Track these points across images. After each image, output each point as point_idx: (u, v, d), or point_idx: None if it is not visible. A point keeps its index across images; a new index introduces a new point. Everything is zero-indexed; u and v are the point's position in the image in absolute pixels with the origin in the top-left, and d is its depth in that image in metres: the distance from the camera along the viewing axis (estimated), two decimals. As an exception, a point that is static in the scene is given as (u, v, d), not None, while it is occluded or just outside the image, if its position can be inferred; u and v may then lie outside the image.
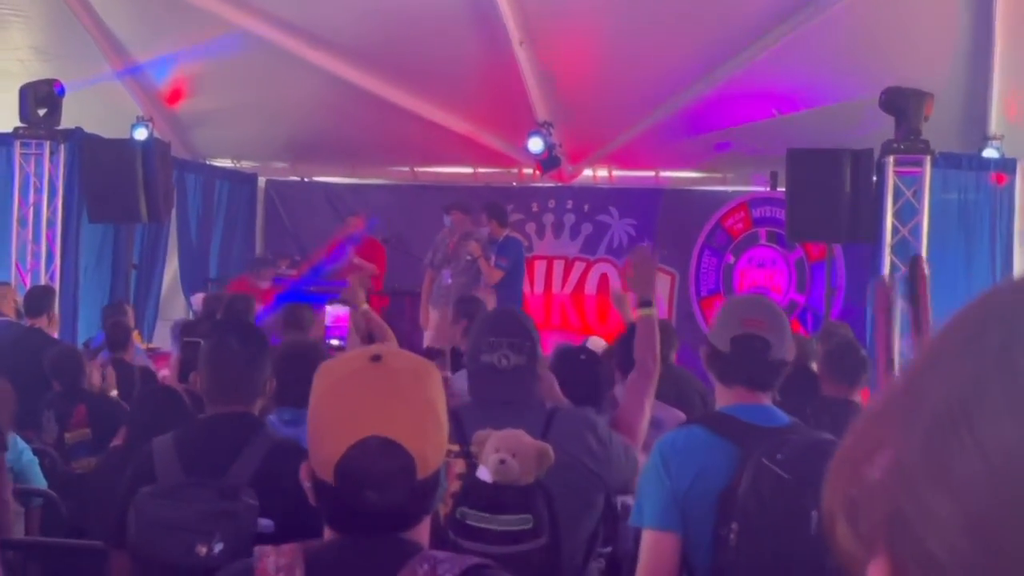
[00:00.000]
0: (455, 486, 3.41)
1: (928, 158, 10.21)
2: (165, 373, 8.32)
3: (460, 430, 3.53)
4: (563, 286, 13.83)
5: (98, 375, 7.29)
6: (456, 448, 3.51)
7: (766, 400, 3.36)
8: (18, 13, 12.25)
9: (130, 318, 9.53)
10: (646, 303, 4.54)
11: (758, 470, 3.03)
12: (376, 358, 1.93)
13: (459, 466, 3.54)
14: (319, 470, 1.90)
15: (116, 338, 8.35)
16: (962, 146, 11.09)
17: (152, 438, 3.72)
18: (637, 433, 4.27)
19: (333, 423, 1.91)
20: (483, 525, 3.29)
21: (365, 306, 6.07)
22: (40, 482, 6.09)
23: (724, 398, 3.39)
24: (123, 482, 3.60)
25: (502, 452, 3.35)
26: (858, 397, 5.88)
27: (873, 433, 0.75)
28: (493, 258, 11.43)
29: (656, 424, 4.56)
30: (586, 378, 4.75)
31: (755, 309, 3.43)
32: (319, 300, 10.86)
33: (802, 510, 2.89)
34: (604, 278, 13.69)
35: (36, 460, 6.10)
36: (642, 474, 3.41)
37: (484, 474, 3.36)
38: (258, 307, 9.51)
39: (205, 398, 3.78)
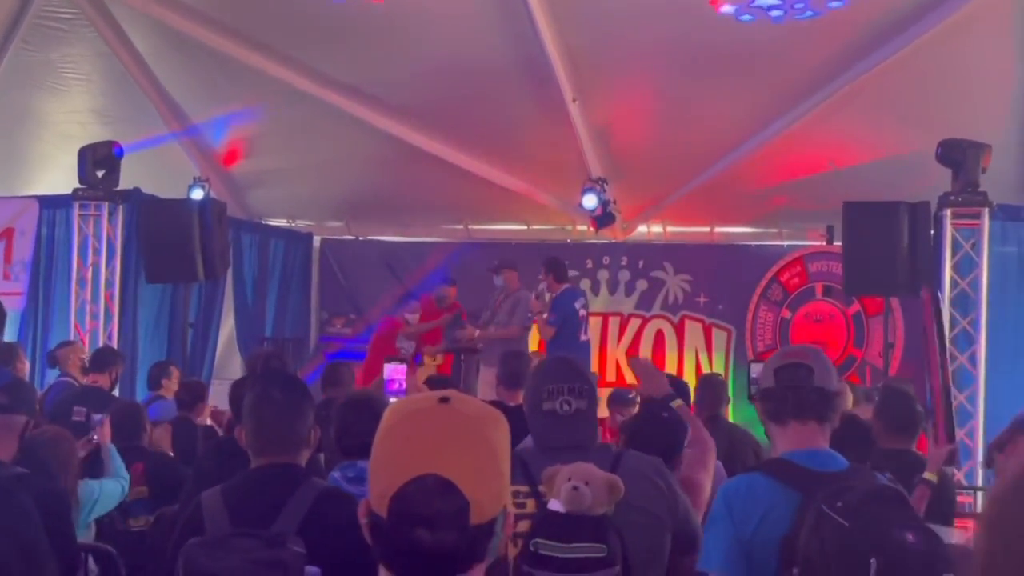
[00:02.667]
0: (525, 525, 3.44)
1: (986, 210, 10.13)
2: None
3: (527, 472, 3.61)
4: (618, 342, 13.88)
5: (159, 434, 7.37)
6: (525, 489, 3.59)
7: (823, 442, 3.39)
8: (79, 76, 12.51)
9: (174, 380, 9.62)
10: (670, 397, 4.79)
11: (819, 517, 3.03)
12: (444, 400, 1.93)
13: (530, 506, 3.58)
14: (375, 504, 1.90)
15: (187, 397, 8.46)
16: (1021, 197, 11.02)
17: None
18: (701, 498, 4.36)
19: (394, 458, 1.91)
20: (556, 554, 3.31)
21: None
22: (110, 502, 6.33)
23: (782, 441, 3.42)
24: (173, 534, 3.59)
25: (574, 480, 3.38)
26: (915, 447, 5.83)
27: None
28: (547, 315, 11.44)
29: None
30: (665, 436, 4.77)
31: (795, 346, 3.50)
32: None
33: (862, 557, 2.89)
34: (660, 335, 13.70)
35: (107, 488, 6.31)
36: (708, 520, 3.45)
37: (556, 505, 3.39)
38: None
39: (250, 451, 3.74)
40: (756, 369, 6.01)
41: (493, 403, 5.93)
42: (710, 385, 8.09)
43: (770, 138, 11.73)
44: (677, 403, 4.75)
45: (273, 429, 3.66)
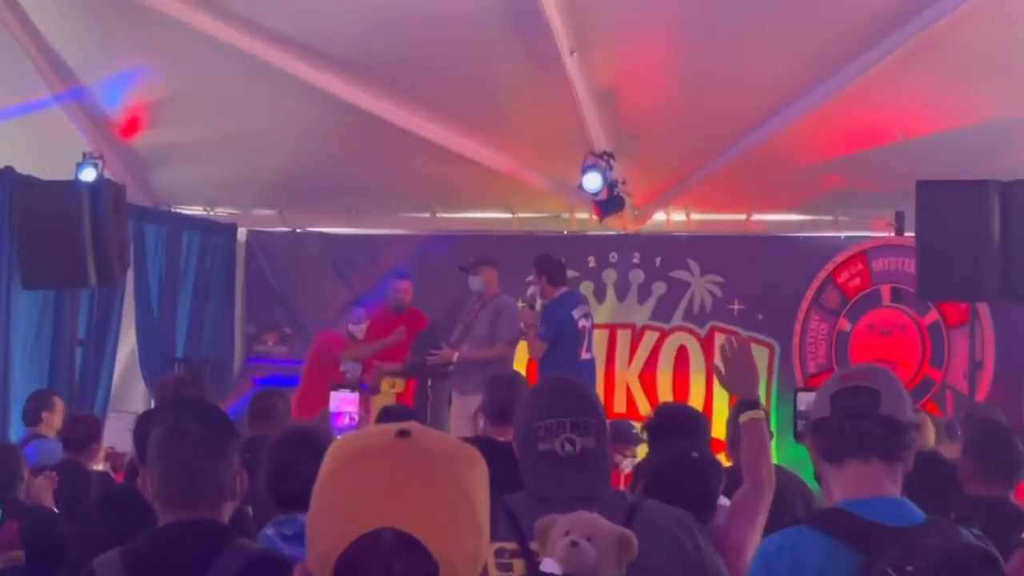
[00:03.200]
0: None
1: (1102, 189, 10.16)
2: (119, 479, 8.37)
3: (515, 526, 3.62)
4: (629, 363, 13.91)
5: (39, 483, 7.32)
6: (512, 546, 3.61)
7: (892, 487, 3.38)
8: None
9: (58, 413, 9.56)
10: (751, 404, 4.74)
11: None
12: (404, 433, 1.91)
13: (518, 567, 3.60)
14: (316, 568, 1.86)
15: (74, 436, 8.43)
16: None
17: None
18: (742, 562, 4.33)
19: (340, 508, 1.87)
20: None
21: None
22: None
23: (839, 486, 3.41)
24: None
25: (573, 534, 3.36)
26: (1013, 495, 5.82)
27: None
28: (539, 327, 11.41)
29: None
30: (695, 482, 4.78)
31: (857, 366, 3.48)
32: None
33: None
34: (682, 352, 13.72)
35: None
36: None
37: (550, 566, 3.36)
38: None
39: (157, 503, 3.71)
40: (806, 400, 5.98)
41: (476, 440, 5.86)
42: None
43: (822, 101, 11.67)
44: (757, 415, 4.69)
45: (188, 475, 3.64)
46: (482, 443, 4.41)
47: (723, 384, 4.94)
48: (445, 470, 1.89)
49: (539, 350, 11.24)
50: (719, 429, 12.43)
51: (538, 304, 11.41)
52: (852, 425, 3.35)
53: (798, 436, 6.10)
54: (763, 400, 12.41)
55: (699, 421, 6.18)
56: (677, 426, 5.79)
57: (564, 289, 11.75)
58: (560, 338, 11.28)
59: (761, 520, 4.59)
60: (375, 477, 1.87)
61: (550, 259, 11.84)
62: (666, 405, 7.47)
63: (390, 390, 12.14)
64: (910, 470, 3.44)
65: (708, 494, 4.74)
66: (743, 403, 4.75)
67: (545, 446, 3.80)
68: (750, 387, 4.79)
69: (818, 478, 3.52)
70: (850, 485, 3.37)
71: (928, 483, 4.03)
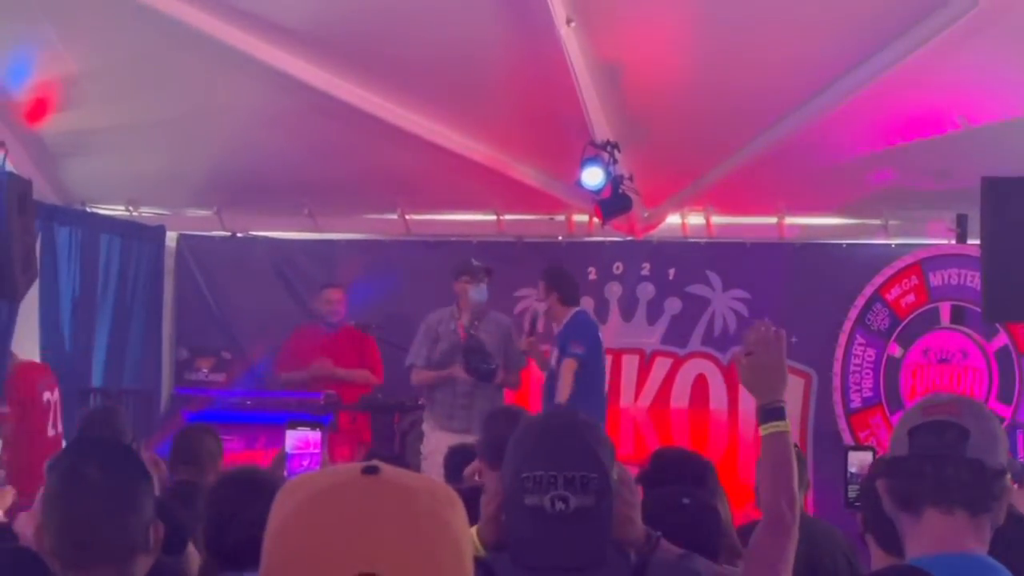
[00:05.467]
0: None
1: None
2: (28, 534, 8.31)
3: None
4: (637, 396, 13.97)
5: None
6: None
7: (978, 545, 3.38)
8: None
9: None
10: (772, 411, 4.54)
11: None
12: (371, 470, 1.92)
13: None
14: None
15: None
16: None
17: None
18: None
19: (302, 558, 1.88)
20: None
21: None
22: None
23: (915, 540, 3.42)
24: None
25: None
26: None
27: None
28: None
29: None
30: (687, 533, 4.72)
31: (943, 397, 3.56)
32: (272, 420, 10.85)
33: None
34: (700, 382, 13.78)
35: None
36: None
37: None
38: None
39: (54, 561, 3.72)
40: (858, 461, 5.95)
41: (467, 490, 5.77)
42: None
43: (868, 81, 11.60)
44: (780, 427, 4.51)
45: (88, 528, 3.66)
46: (475, 492, 4.34)
47: (744, 381, 4.75)
48: (425, 508, 1.91)
49: (569, 371, 11.25)
50: (745, 473, 12.52)
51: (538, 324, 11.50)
52: (934, 468, 3.38)
53: (849, 503, 6.02)
54: (796, 442, 12.44)
55: (700, 466, 6.21)
56: (674, 473, 5.76)
57: (577, 309, 11.80)
58: (590, 364, 11.32)
59: (784, 570, 4.46)
60: (343, 519, 1.88)
61: (563, 273, 11.89)
62: (664, 450, 7.42)
63: (350, 426, 12.14)
64: (1000, 524, 3.43)
65: (702, 546, 4.67)
66: (764, 409, 4.57)
67: (532, 500, 3.74)
68: (774, 387, 4.59)
69: (862, 538, 3.49)
70: (928, 539, 3.39)
71: (1020, 540, 4.01)
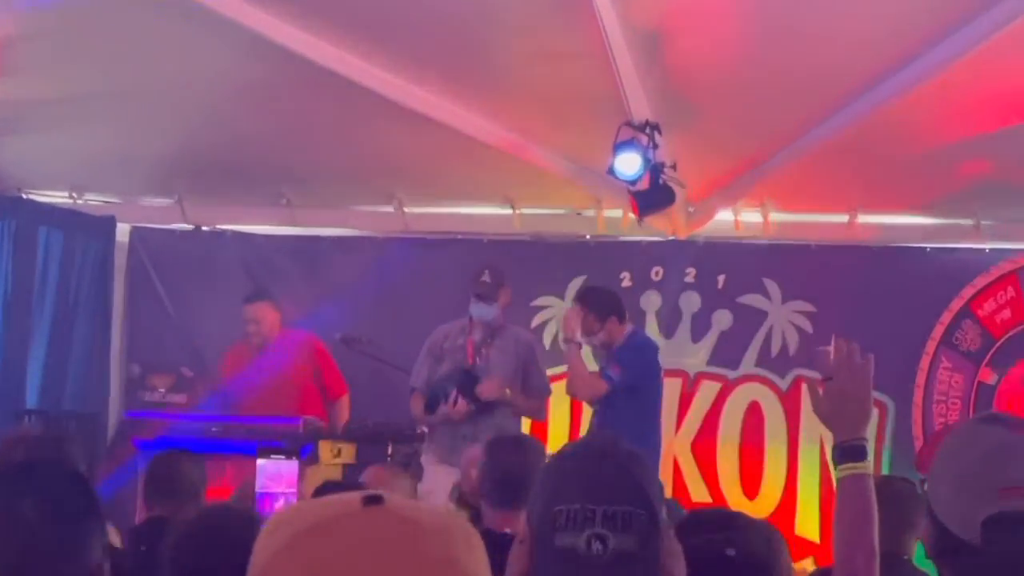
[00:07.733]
0: None
1: None
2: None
3: None
4: (678, 427, 13.92)
5: None
6: None
7: None
8: None
9: None
10: (852, 449, 4.52)
11: None
12: (374, 500, 2.06)
13: None
14: None
15: None
16: None
17: None
18: None
19: None
20: None
21: None
22: None
23: None
24: None
25: None
26: None
27: None
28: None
29: None
30: None
31: (1020, 461, 3.60)
32: (241, 449, 10.88)
33: None
34: (754, 409, 13.82)
35: None
36: None
37: None
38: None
39: None
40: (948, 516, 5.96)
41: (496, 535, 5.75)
42: (889, 498, 8.02)
43: (956, 57, 11.25)
44: (860, 468, 4.56)
45: (21, 572, 3.74)
46: (506, 539, 4.34)
47: (819, 413, 4.70)
48: (438, 548, 2.06)
49: (595, 391, 11.33)
50: (805, 524, 12.52)
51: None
52: (1012, 571, 3.44)
53: (934, 555, 6.06)
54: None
55: (743, 518, 6.18)
56: (713, 524, 5.79)
57: (631, 327, 11.88)
58: (638, 391, 11.35)
59: None
60: (340, 557, 2.00)
61: (607, 293, 11.99)
62: (700, 511, 7.47)
63: (332, 459, 12.14)
64: None
65: None
66: (841, 448, 4.52)
67: (565, 541, 3.65)
68: (857, 422, 4.55)
69: None
70: None
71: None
